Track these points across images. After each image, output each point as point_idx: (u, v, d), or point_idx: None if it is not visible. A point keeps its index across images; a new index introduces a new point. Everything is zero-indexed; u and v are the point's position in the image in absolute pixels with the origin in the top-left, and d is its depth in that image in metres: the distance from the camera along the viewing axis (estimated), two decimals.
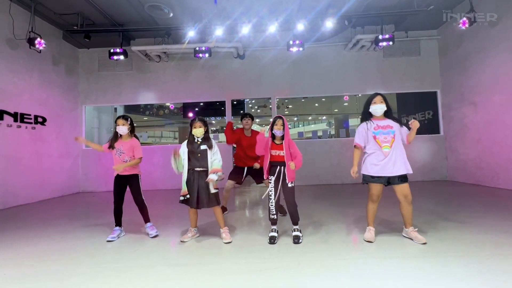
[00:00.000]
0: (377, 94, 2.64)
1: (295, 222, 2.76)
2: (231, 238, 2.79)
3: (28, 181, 5.47)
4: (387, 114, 2.65)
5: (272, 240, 2.67)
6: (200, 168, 2.75)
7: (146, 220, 3.03)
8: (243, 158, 3.93)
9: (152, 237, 2.89)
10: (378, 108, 2.60)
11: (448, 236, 2.66)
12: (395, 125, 2.59)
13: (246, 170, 3.92)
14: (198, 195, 2.72)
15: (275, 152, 2.71)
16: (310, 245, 2.57)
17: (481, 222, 3.08)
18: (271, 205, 2.72)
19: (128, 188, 3.02)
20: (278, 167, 2.70)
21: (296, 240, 2.65)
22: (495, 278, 1.84)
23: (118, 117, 3.00)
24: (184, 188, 2.75)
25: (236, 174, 3.92)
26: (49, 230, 3.41)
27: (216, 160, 2.80)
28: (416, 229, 2.62)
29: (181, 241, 2.77)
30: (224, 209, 3.96)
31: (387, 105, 2.62)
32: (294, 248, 2.53)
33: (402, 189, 2.56)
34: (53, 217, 4.17)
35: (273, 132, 2.71)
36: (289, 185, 2.69)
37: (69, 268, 2.25)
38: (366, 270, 2.03)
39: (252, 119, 4.04)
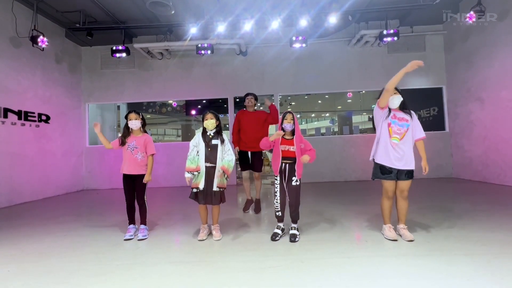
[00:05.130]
0: None
1: (294, 221, 2.73)
2: (221, 235, 2.78)
3: (33, 179, 5.51)
4: (402, 106, 2.59)
5: (274, 237, 2.65)
6: (209, 163, 2.71)
7: (143, 222, 2.99)
8: (243, 140, 3.80)
9: (138, 240, 2.80)
10: (396, 99, 2.54)
11: (455, 235, 2.62)
12: (410, 119, 2.55)
13: (250, 154, 3.80)
14: (206, 191, 2.69)
15: (284, 147, 2.66)
16: (313, 243, 2.55)
17: (488, 220, 3.03)
18: (276, 202, 2.71)
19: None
20: (284, 164, 2.66)
21: (293, 238, 2.60)
22: (503, 277, 1.80)
23: (130, 112, 2.95)
24: (196, 180, 2.69)
25: (244, 161, 3.81)
26: (53, 227, 3.43)
27: (227, 159, 2.72)
28: (406, 226, 2.59)
29: (199, 240, 2.71)
30: (249, 202, 3.87)
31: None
32: (297, 246, 2.50)
33: (402, 185, 2.54)
34: (57, 214, 4.20)
35: (282, 126, 2.67)
36: (294, 183, 2.64)
37: (73, 265, 2.26)
38: (371, 268, 2.00)
39: (256, 99, 3.87)
